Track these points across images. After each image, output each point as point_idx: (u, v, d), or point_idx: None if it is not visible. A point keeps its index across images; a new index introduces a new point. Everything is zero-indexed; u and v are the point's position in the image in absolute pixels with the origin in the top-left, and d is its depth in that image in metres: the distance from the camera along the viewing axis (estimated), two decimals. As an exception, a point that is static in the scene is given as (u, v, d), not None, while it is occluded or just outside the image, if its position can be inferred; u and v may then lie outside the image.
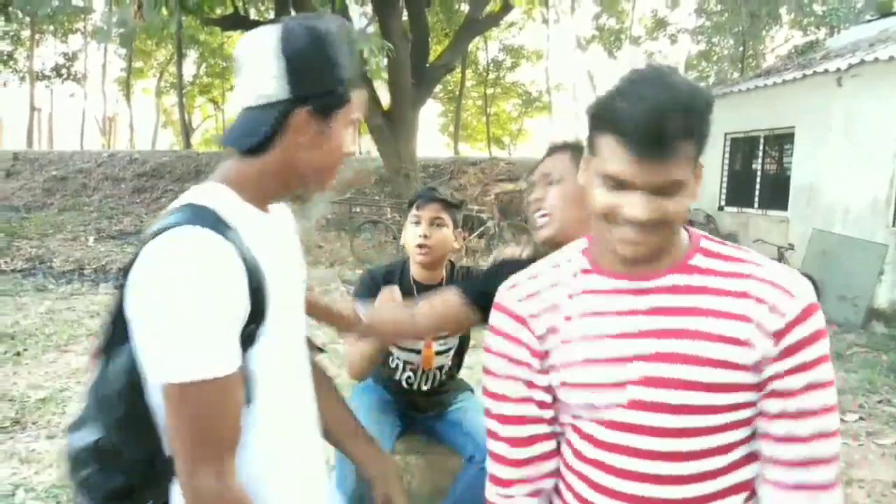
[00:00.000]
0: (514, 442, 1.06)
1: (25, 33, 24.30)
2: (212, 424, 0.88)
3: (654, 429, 0.94)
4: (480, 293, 1.54)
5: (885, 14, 13.86)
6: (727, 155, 11.00)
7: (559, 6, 24.08)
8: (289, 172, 1.02)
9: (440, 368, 2.24)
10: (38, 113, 26.08)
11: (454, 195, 2.19)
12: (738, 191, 10.99)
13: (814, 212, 8.43)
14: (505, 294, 1.07)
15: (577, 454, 1.02)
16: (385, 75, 11.84)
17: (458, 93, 23.55)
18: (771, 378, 0.92)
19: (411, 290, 2.15)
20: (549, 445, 1.07)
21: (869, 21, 13.27)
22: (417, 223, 2.10)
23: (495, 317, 1.07)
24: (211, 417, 0.88)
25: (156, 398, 0.91)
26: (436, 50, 14.94)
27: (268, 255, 0.97)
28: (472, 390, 2.39)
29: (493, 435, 1.10)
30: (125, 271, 0.92)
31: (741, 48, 20.69)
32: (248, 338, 0.93)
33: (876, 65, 7.52)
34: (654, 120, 0.84)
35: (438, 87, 19.49)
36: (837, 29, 14.33)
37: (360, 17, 16.95)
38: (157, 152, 18.92)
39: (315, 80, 0.98)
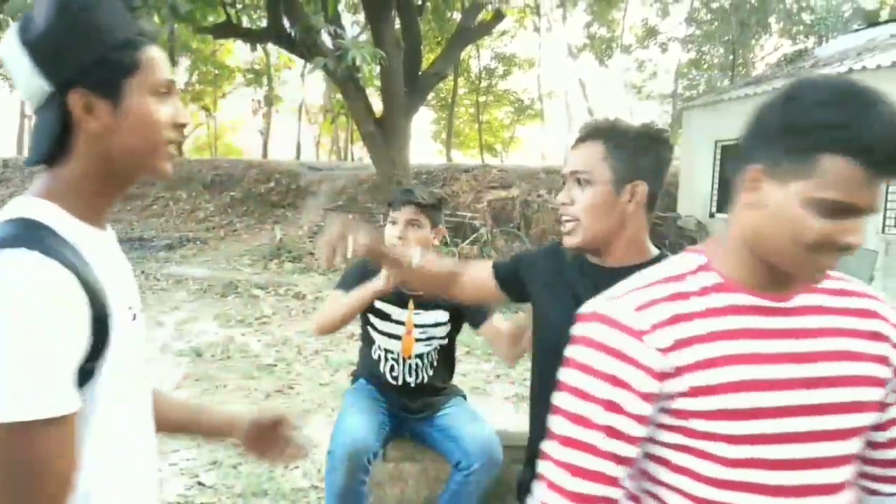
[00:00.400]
0: (574, 470, 0.91)
1: (16, 40, 24.21)
2: (42, 474, 0.74)
3: (804, 461, 0.87)
4: (508, 275, 1.61)
5: (872, 23, 14.02)
6: (718, 162, 11.07)
7: (550, 15, 24.22)
8: (103, 169, 0.89)
9: (421, 358, 2.25)
10: (28, 120, 25.97)
11: (434, 193, 2.23)
12: (730, 198, 11.04)
13: (804, 219, 8.48)
14: (610, 304, 0.93)
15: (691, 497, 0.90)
16: (377, 83, 11.86)
17: (450, 100, 23.61)
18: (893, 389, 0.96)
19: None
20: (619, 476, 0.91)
21: (857, 30, 13.41)
22: (393, 223, 2.16)
23: (596, 330, 0.92)
24: (42, 465, 0.74)
25: None
26: (428, 58, 14.99)
27: (109, 279, 0.85)
28: (464, 396, 2.39)
29: (549, 458, 0.93)
30: None
31: (731, 56, 20.87)
32: (86, 374, 0.80)
33: (864, 73, 7.61)
34: None
35: (431, 95, 19.54)
36: (826, 38, 14.48)
37: (353, 24, 16.99)
38: (148, 160, 18.81)
39: (71, 57, 0.83)
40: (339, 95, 15.80)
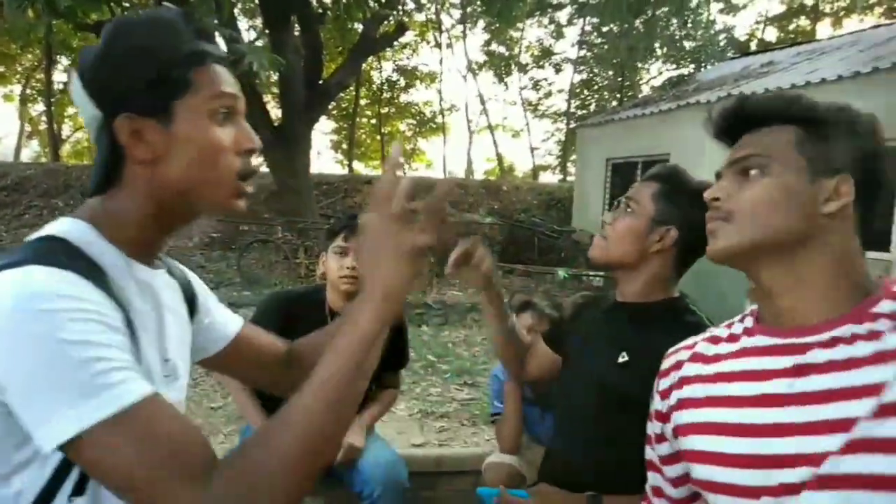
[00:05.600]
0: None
1: None
2: (171, 439, 0.66)
3: None
4: (558, 338, 1.64)
5: (745, 53, 15.27)
6: (609, 178, 11.57)
7: (451, 31, 24.57)
8: (154, 200, 0.82)
9: None
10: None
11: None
12: (621, 213, 11.54)
13: (688, 233, 9.00)
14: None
15: None
16: (276, 90, 11.50)
17: (352, 111, 23.38)
18: None
19: (325, 319, 2.06)
20: None
21: (732, 59, 14.50)
22: (343, 253, 2.05)
23: None
24: (167, 433, 0.67)
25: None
26: (329, 67, 14.75)
27: (142, 319, 0.80)
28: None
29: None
30: None
31: (619, 79, 21.97)
32: None
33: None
34: None
35: (332, 105, 19.23)
36: (704, 65, 15.55)
37: (249, 29, 16.48)
38: (20, 164, 17.40)
39: (116, 82, 0.78)
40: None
